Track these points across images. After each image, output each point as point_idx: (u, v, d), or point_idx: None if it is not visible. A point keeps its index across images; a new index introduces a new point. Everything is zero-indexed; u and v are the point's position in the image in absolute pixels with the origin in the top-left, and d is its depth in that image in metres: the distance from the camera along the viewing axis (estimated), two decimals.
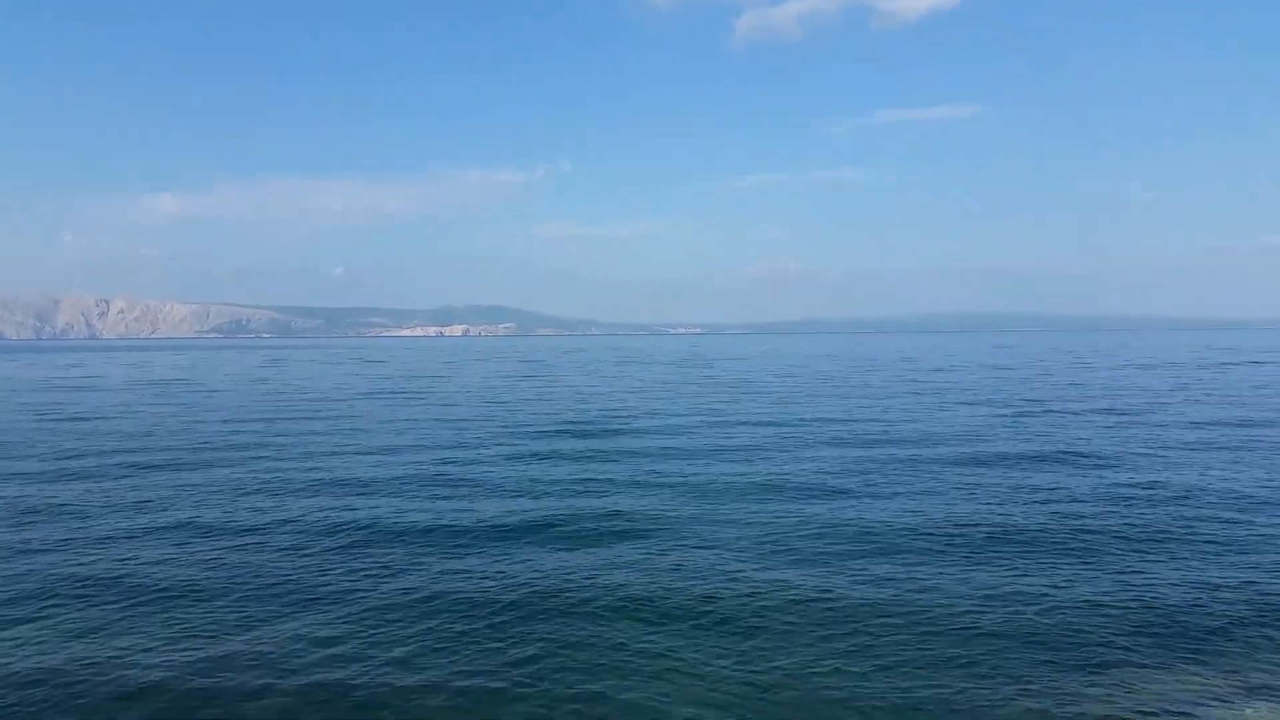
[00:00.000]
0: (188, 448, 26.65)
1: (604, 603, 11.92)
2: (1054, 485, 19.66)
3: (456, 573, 13.36)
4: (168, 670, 9.85)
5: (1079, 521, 16.23)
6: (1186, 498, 18.19)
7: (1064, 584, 12.67)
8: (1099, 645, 10.47)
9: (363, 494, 19.34)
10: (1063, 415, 33.89)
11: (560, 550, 14.59)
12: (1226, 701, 9.08)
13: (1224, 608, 11.65)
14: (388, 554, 14.41)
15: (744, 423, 32.68)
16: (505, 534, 15.62)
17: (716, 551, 14.33)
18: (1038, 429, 29.53)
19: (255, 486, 20.25)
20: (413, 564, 13.85)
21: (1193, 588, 12.45)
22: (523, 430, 30.64)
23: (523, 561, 13.90)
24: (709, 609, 11.63)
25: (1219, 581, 12.70)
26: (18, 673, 9.81)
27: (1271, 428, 29.34)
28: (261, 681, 9.56)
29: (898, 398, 43.85)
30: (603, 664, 10.06)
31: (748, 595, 12.13)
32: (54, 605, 11.99)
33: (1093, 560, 13.83)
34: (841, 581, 12.81)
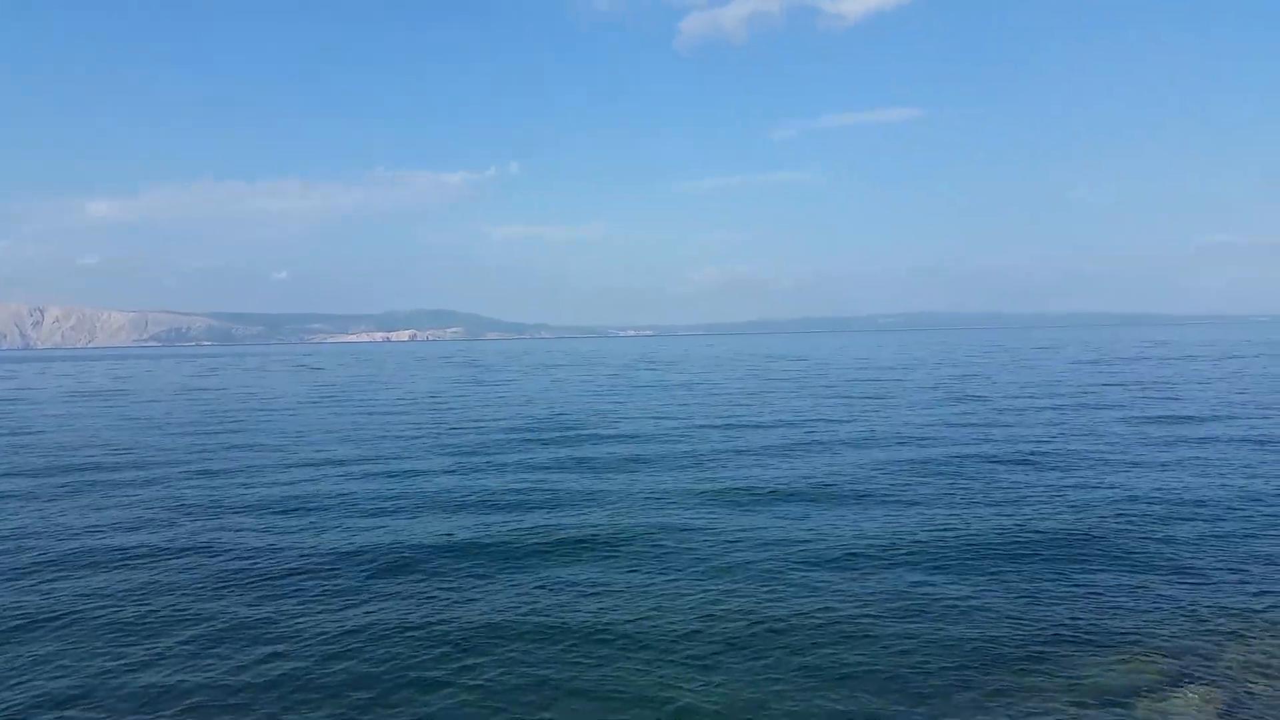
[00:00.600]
0: (114, 465, 25.74)
1: (544, 626, 11.28)
2: (996, 483, 19.99)
3: (387, 597, 12.62)
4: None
5: (1016, 518, 16.51)
6: (1118, 491, 18.63)
7: (997, 579, 12.87)
8: (1033, 637, 10.62)
9: (295, 512, 18.32)
10: (1007, 412, 34.55)
11: (506, 571, 13.78)
12: (1155, 691, 9.26)
13: (1150, 599, 11.91)
14: (310, 582, 13.36)
15: (697, 426, 32.71)
16: (446, 553, 14.83)
17: (672, 575, 13.36)
18: (984, 425, 30.05)
19: (178, 506, 19.25)
20: (338, 593, 12.87)
21: (1123, 579, 12.73)
22: (469, 438, 30.08)
23: (463, 587, 13.04)
24: (647, 633, 11.07)
25: (1147, 574, 13.00)
26: None
27: (1213, 422, 30.25)
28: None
29: (850, 400, 44.34)
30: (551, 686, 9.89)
31: (686, 619, 11.74)
32: None
33: (1023, 556, 14.06)
34: (787, 598, 12.83)
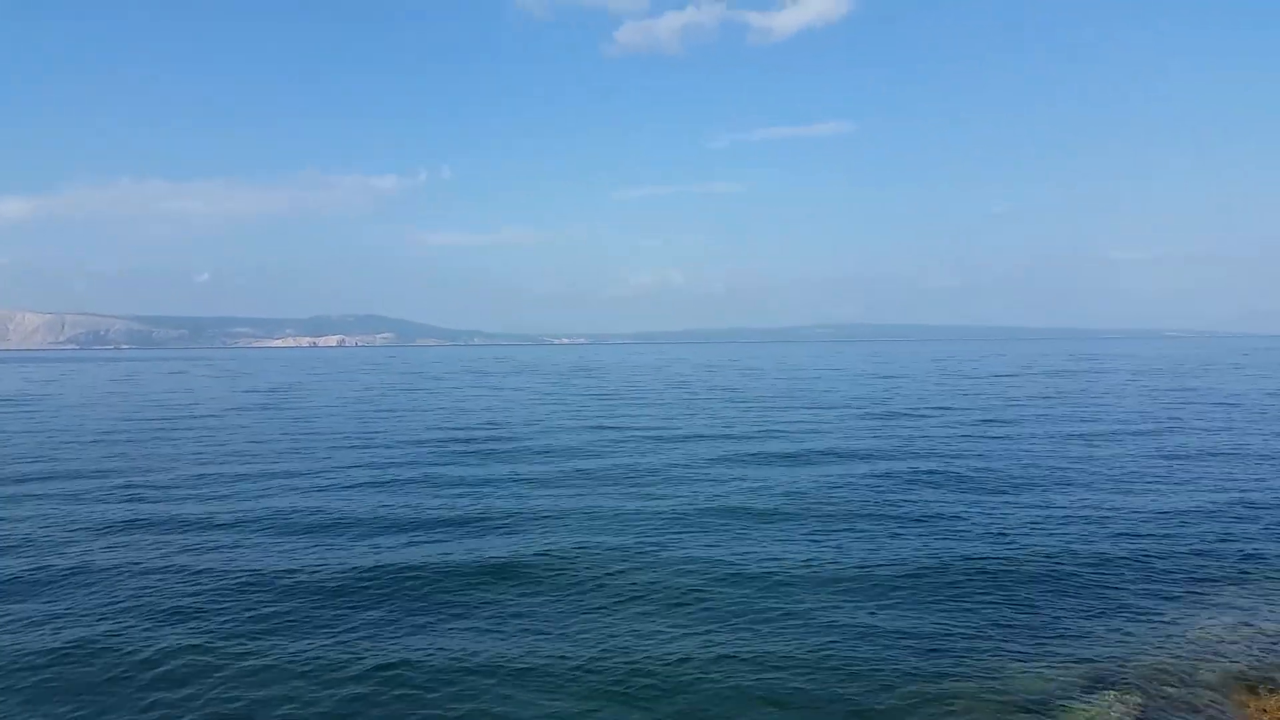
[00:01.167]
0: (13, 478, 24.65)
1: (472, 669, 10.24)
2: (918, 499, 20.52)
3: (284, 631, 11.35)
4: None
5: (936, 534, 17.00)
6: (1035, 505, 19.30)
7: (920, 595, 13.24)
8: (955, 649, 10.96)
9: (195, 530, 17.11)
10: (928, 421, 35.47)
11: (422, 601, 12.72)
12: (1073, 695, 9.64)
13: (1069, 611, 12.39)
14: (194, 623, 11.85)
15: (627, 439, 32.78)
16: (353, 590, 13.22)
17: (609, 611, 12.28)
18: (906, 435, 30.81)
19: (72, 525, 17.97)
20: (236, 629, 11.55)
21: (1042, 592, 13.21)
22: (393, 452, 28.93)
23: (373, 629, 11.67)
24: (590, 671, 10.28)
25: (1065, 586, 13.51)
26: None
27: (1126, 437, 31.47)
28: None
29: (789, 410, 44.92)
30: None
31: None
32: None
33: (945, 572, 14.48)
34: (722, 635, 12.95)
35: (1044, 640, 11.09)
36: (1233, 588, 13.12)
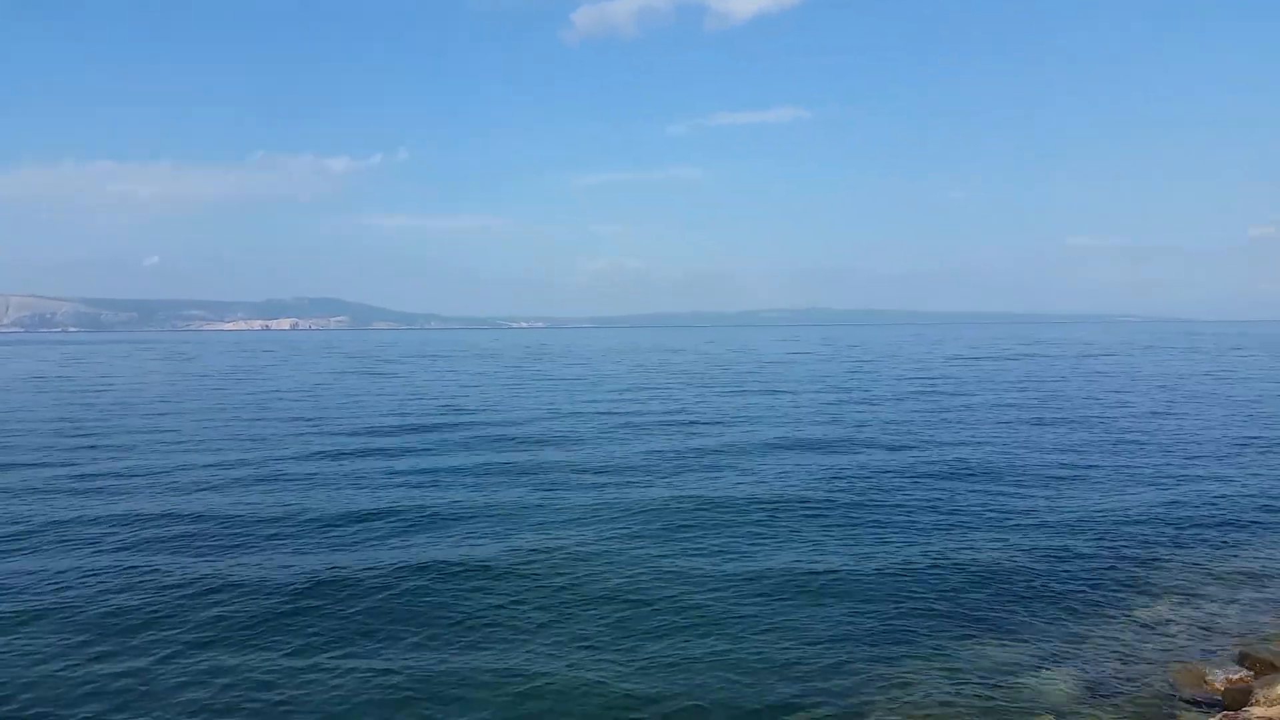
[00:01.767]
0: None
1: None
2: (876, 467, 20.92)
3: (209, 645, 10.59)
4: None
5: (887, 498, 17.40)
6: (989, 476, 19.81)
7: (880, 560, 13.58)
8: (911, 627, 11.30)
9: (121, 531, 16.02)
10: (884, 403, 36.08)
11: (365, 614, 11.52)
12: (1023, 670, 10.01)
13: (1021, 590, 12.81)
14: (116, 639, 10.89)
15: (585, 415, 32.87)
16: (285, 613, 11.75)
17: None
18: (863, 416, 31.32)
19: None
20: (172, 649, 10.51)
21: (995, 573, 13.62)
22: (346, 440, 28.16)
23: (319, 639, 10.78)
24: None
25: (1017, 566, 13.94)
26: None
27: (1074, 423, 32.29)
28: None
29: (734, 396, 45.29)
30: None
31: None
32: None
33: (910, 537, 14.86)
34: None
35: (993, 624, 11.48)
36: (1172, 572, 13.63)
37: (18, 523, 16.77)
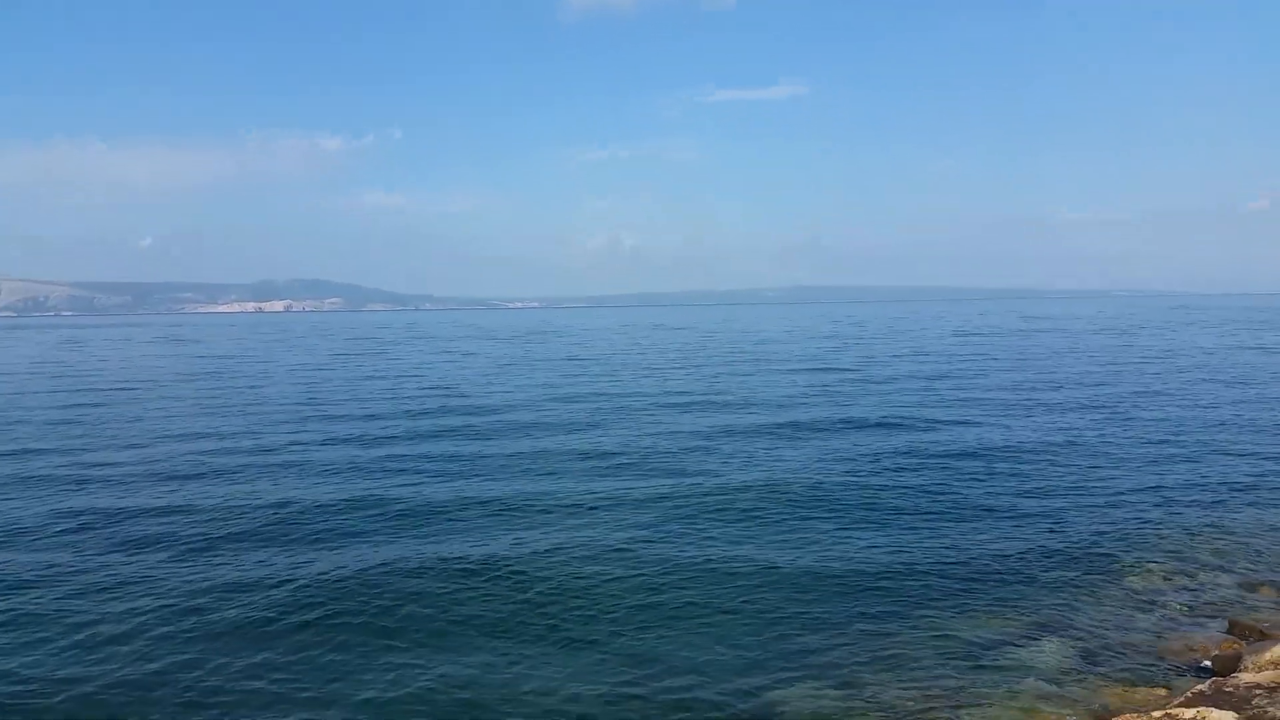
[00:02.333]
0: None
1: None
2: (866, 448, 21.03)
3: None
4: None
5: (880, 480, 17.50)
6: (980, 456, 19.92)
7: (872, 537, 13.68)
8: (904, 601, 11.39)
9: (121, 525, 15.61)
10: (884, 383, 36.18)
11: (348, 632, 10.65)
12: (1017, 642, 10.11)
13: (1014, 563, 12.91)
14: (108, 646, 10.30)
15: (578, 399, 32.91)
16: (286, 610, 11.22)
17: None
18: (861, 394, 31.42)
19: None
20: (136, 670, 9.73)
21: (987, 545, 13.72)
22: (347, 428, 27.22)
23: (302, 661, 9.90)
24: None
25: (1008, 539, 14.05)
26: None
27: (1065, 388, 32.45)
28: None
29: (722, 376, 45.36)
30: None
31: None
32: None
33: (897, 516, 14.98)
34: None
35: (987, 596, 11.57)
36: (1163, 543, 13.72)
37: (16, 517, 16.49)
